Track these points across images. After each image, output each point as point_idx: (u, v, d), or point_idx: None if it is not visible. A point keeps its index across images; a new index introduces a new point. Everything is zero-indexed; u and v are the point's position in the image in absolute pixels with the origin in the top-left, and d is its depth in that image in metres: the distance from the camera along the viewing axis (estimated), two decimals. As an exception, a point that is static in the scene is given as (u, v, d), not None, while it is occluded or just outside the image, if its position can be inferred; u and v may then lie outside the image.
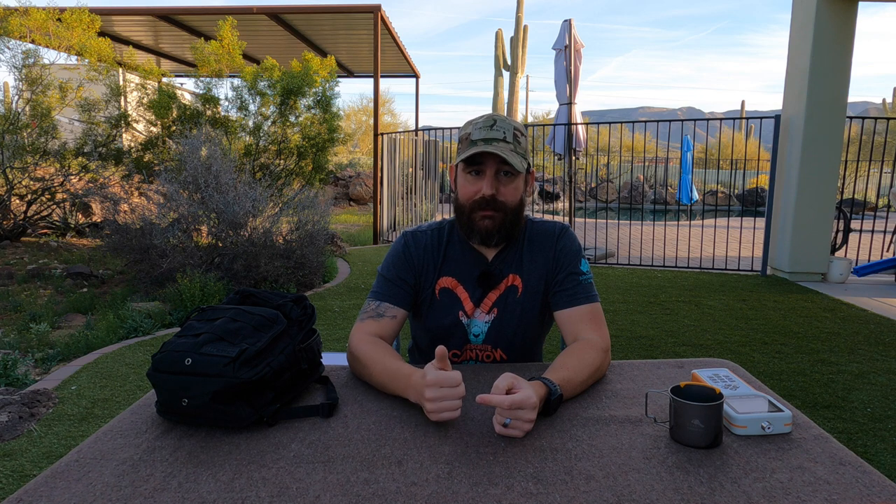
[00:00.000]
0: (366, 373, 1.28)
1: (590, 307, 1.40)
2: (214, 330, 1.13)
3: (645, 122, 9.43)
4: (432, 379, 1.05)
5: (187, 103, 7.25)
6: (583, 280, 1.42)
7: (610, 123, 7.95)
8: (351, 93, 63.76)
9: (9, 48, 6.51)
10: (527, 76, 31.53)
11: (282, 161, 7.55)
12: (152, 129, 7.33)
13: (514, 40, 19.95)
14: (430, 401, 1.05)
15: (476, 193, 1.36)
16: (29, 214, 6.91)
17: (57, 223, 7.38)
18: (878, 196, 10.96)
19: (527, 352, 1.51)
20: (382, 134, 8.20)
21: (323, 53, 10.36)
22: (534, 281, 1.45)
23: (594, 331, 1.37)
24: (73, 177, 6.89)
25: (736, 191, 14.96)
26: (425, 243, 1.47)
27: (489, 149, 1.31)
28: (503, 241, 1.42)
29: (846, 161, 6.23)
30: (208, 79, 7.13)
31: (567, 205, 9.02)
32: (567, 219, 7.90)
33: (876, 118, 6.91)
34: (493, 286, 1.44)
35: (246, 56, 10.00)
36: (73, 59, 7.14)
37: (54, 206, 7.22)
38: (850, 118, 6.18)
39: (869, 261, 6.57)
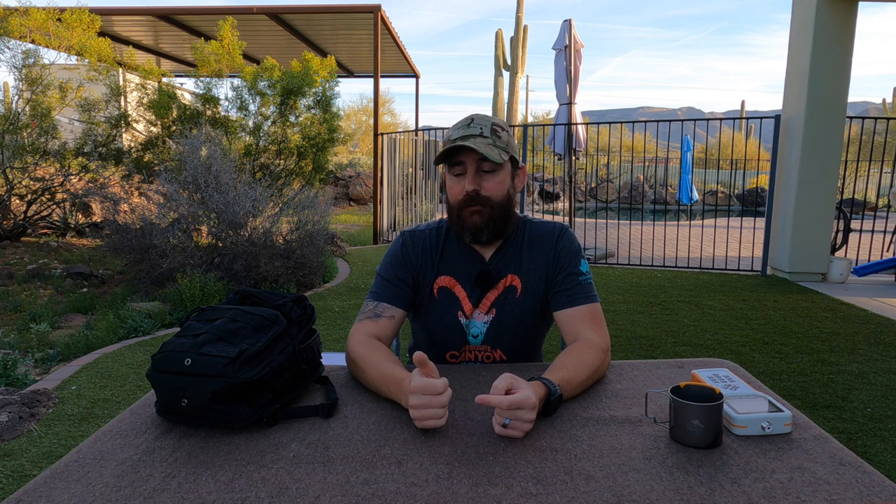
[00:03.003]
0: (361, 375, 1.27)
1: (589, 307, 1.40)
2: (214, 330, 1.13)
3: (645, 122, 9.43)
4: (415, 386, 1.04)
5: (187, 103, 7.25)
6: (582, 280, 1.42)
7: (610, 123, 7.95)
8: (351, 93, 63.82)
9: (9, 48, 6.51)
10: (527, 76, 31.52)
11: (282, 161, 7.55)
12: (152, 129, 7.33)
13: (514, 40, 19.95)
14: (414, 408, 1.04)
15: (461, 192, 1.38)
16: (29, 214, 6.91)
17: (57, 223, 7.37)
18: (878, 196, 10.96)
19: (526, 352, 1.51)
20: (382, 134, 8.20)
21: (323, 53, 10.36)
22: (533, 281, 1.45)
23: (594, 331, 1.37)
24: (73, 177, 6.89)
25: (736, 191, 14.96)
26: (423, 242, 1.47)
27: (463, 143, 1.32)
28: (494, 236, 1.40)
29: (846, 161, 6.23)
30: (208, 79, 7.13)
31: (567, 205, 9.02)
32: (567, 219, 7.90)
33: (876, 118, 6.91)
34: (491, 286, 1.44)
35: (246, 56, 10.00)
36: (73, 59, 7.14)
37: (54, 206, 7.22)
38: (850, 118, 6.18)
39: (869, 261, 6.57)
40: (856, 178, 10.79)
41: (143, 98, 7.18)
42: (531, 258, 1.45)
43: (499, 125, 1.39)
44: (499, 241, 1.46)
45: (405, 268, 1.45)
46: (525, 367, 1.39)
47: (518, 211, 1.53)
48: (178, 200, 4.91)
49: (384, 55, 11.24)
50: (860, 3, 5.56)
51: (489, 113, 21.48)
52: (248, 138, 7.39)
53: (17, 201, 6.90)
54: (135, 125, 7.40)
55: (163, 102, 6.91)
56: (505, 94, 20.41)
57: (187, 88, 9.66)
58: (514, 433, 1.03)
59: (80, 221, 7.61)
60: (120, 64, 7.49)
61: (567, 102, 7.13)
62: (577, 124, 7.15)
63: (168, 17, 8.69)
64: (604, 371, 1.33)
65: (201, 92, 7.10)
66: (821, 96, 5.63)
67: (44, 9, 6.69)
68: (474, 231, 1.38)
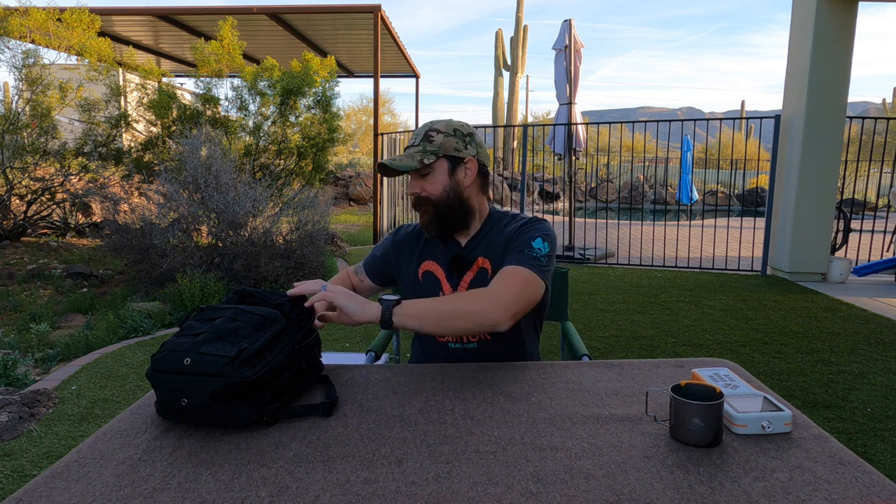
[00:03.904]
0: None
1: (520, 268, 1.37)
2: (213, 329, 1.13)
3: (645, 122, 9.43)
4: (333, 285, 1.35)
5: (187, 103, 7.25)
6: (529, 252, 1.40)
7: (610, 123, 7.94)
8: (351, 93, 63.73)
9: (9, 48, 6.51)
10: (527, 76, 31.51)
11: (282, 161, 7.55)
12: (152, 129, 7.33)
13: (514, 40, 19.93)
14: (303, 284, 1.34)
15: None
16: (29, 214, 6.91)
17: (57, 223, 7.37)
18: (878, 196, 10.96)
19: (514, 345, 1.54)
20: (382, 134, 8.20)
21: (323, 53, 10.36)
22: (499, 261, 1.49)
23: (503, 284, 1.33)
24: (73, 177, 6.89)
25: (736, 191, 14.96)
26: (411, 231, 1.64)
27: (381, 161, 1.46)
28: (441, 230, 1.51)
29: (846, 161, 6.23)
30: (208, 79, 7.13)
31: (567, 205, 9.02)
32: (567, 219, 7.90)
33: (876, 118, 6.91)
34: (465, 269, 1.52)
35: (246, 56, 10.00)
36: (73, 59, 7.13)
37: (54, 206, 7.22)
38: (850, 118, 6.18)
39: (869, 261, 6.57)
40: (856, 178, 10.79)
41: (143, 98, 7.18)
42: (501, 241, 1.51)
43: (435, 129, 1.49)
44: (471, 230, 1.55)
45: (385, 256, 1.65)
46: (525, 365, 1.39)
47: (511, 208, 1.57)
48: (178, 200, 4.91)
49: (384, 55, 11.24)
50: (860, 3, 5.56)
51: (489, 113, 21.47)
52: (248, 138, 7.39)
53: (17, 201, 6.90)
54: (135, 125, 7.40)
55: (163, 102, 6.91)
56: (505, 94, 20.40)
57: (187, 88, 9.66)
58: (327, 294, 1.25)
59: (80, 221, 7.61)
60: (120, 64, 7.49)
61: (567, 102, 7.13)
62: (577, 124, 7.15)
63: (168, 17, 8.69)
64: (486, 316, 1.27)
65: (201, 92, 7.10)
66: (821, 96, 5.63)
67: (44, 9, 6.68)
68: (424, 228, 1.53)
